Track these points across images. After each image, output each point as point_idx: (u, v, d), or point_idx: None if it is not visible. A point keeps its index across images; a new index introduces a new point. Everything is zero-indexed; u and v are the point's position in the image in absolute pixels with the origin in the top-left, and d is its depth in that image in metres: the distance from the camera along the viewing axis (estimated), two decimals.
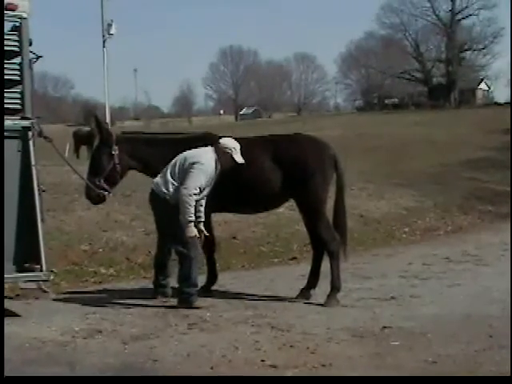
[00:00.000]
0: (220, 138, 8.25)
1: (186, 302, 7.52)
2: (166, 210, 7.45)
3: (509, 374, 5.29)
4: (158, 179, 7.56)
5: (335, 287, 7.80)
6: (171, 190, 7.40)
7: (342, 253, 7.95)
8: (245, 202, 8.02)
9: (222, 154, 7.46)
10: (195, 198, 7.30)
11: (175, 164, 7.50)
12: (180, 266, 7.61)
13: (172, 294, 7.91)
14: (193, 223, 7.31)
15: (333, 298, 7.74)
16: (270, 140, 8.23)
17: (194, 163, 7.34)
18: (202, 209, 7.54)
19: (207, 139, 8.12)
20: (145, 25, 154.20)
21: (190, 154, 7.48)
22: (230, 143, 7.53)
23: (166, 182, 7.47)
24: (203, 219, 7.58)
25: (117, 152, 7.91)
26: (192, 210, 7.28)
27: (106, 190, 8.01)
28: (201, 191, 7.36)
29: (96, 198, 8.13)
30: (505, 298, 7.73)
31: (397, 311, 7.39)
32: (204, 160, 7.37)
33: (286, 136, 8.36)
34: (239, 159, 7.48)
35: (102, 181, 7.95)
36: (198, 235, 7.43)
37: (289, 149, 7.91)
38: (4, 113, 7.35)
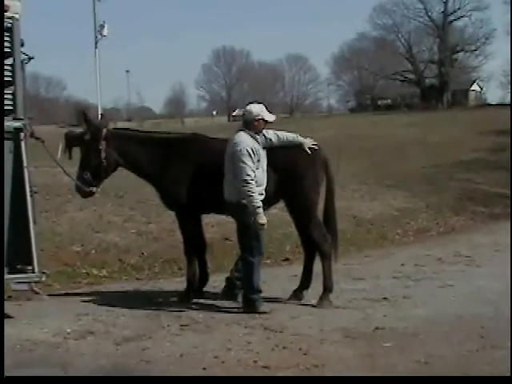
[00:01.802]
0: (209, 138, 8.29)
1: (250, 307, 7.43)
2: (242, 214, 7.40)
3: (502, 374, 5.31)
4: (226, 190, 7.47)
5: (327, 288, 7.80)
6: (236, 190, 7.34)
7: (333, 254, 7.94)
8: None
9: (255, 124, 7.42)
10: (254, 182, 7.22)
11: (225, 166, 7.44)
12: (243, 272, 7.60)
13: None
14: (262, 209, 7.23)
15: (325, 299, 7.74)
16: None
17: (234, 153, 7.28)
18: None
19: (195, 140, 8.23)
20: (137, 26, 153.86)
21: (229, 148, 7.40)
22: (254, 109, 7.51)
23: (229, 186, 7.42)
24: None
25: (104, 147, 7.91)
26: (256, 196, 7.21)
27: (93, 185, 8.01)
28: (254, 173, 7.29)
29: (83, 193, 8.15)
30: (497, 299, 7.75)
31: (389, 312, 7.39)
32: (240, 145, 7.28)
33: None
34: (270, 117, 7.52)
35: (88, 175, 7.95)
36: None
37: (279, 150, 7.89)
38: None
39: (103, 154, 7.89)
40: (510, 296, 7.53)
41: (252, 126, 7.47)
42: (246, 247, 7.45)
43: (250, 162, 7.24)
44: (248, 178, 7.19)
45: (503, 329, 6.54)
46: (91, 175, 7.96)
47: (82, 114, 8.28)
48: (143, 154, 8.08)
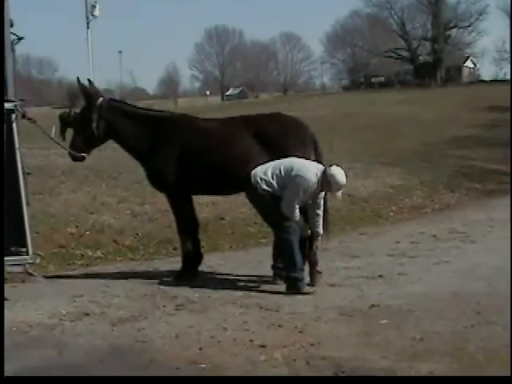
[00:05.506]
0: (196, 119, 8.28)
1: (294, 287, 7.35)
2: (263, 200, 7.46)
3: (496, 350, 5.33)
4: (257, 172, 7.46)
5: (313, 262, 7.68)
6: (266, 186, 7.36)
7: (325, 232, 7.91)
8: (227, 182, 7.98)
9: (326, 181, 7.35)
10: (297, 210, 7.34)
11: (279, 167, 7.39)
12: (282, 252, 7.54)
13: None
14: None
15: (315, 273, 7.67)
16: (251, 120, 8.22)
17: (299, 176, 7.27)
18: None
19: (183, 121, 8.29)
20: (129, 6, 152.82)
21: (299, 167, 7.37)
22: (338, 177, 7.35)
23: (264, 178, 7.38)
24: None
25: (96, 117, 7.93)
26: (296, 214, 7.33)
27: (83, 151, 8.12)
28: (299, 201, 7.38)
29: (73, 157, 8.24)
30: (492, 275, 7.77)
31: (384, 289, 7.40)
32: (309, 180, 7.27)
33: (266, 115, 8.37)
34: (339, 196, 7.51)
35: (80, 141, 8.06)
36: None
37: (269, 128, 7.88)
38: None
39: (94, 124, 7.90)
40: (510, 276, 7.49)
41: (326, 184, 7.37)
42: (280, 227, 7.44)
43: (302, 196, 7.30)
44: (295, 207, 7.28)
45: (498, 304, 6.56)
46: (82, 142, 8.06)
47: (78, 82, 8.23)
48: (134, 130, 8.06)
